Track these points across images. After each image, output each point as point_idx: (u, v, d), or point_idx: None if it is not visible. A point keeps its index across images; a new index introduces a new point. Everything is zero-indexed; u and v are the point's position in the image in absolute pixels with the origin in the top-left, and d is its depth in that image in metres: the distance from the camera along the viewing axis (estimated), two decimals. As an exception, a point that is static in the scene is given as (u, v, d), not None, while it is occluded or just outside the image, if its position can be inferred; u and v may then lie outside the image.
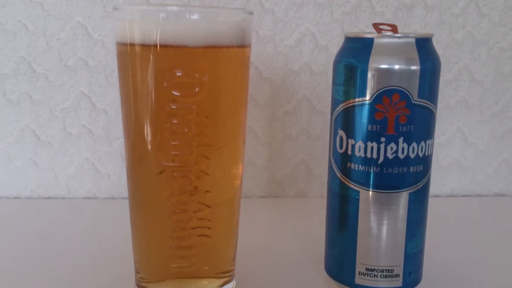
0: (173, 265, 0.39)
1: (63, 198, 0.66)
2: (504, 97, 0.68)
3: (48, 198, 0.66)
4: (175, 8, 0.35)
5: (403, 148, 0.38)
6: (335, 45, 0.65)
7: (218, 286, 0.41)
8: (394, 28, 0.40)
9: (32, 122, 0.64)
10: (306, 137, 0.67)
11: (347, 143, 0.39)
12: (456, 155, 0.69)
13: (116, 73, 0.63)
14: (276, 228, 0.57)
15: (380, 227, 0.39)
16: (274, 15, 0.64)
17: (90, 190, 0.66)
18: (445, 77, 0.66)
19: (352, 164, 0.39)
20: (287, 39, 0.65)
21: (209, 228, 0.39)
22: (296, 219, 0.60)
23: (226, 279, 0.42)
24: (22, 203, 0.64)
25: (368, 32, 0.39)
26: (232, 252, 0.42)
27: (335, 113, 0.40)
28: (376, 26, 0.41)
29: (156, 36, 0.35)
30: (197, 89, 0.35)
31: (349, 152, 0.39)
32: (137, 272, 0.41)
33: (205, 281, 0.41)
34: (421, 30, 0.65)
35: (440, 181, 0.69)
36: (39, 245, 0.52)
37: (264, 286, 0.45)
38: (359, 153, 0.38)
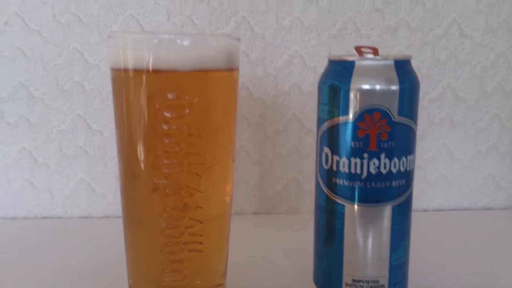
0: (166, 279, 0.41)
1: (60, 217, 0.67)
2: (488, 114, 0.70)
3: (45, 218, 0.67)
4: (166, 36, 0.38)
5: (385, 164, 0.40)
6: (323, 66, 0.66)
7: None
8: (375, 51, 0.42)
9: (30, 144, 0.66)
10: (296, 155, 0.69)
11: (332, 159, 0.41)
12: (443, 170, 0.71)
13: (111, 96, 0.64)
14: (268, 243, 0.59)
15: (365, 240, 0.41)
16: (264, 39, 0.66)
17: (85, 209, 0.67)
18: (430, 95, 0.69)
19: (337, 179, 0.41)
20: (276, 61, 0.67)
21: (201, 243, 0.41)
22: (287, 234, 0.62)
23: (217, 292, 0.43)
24: (19, 223, 0.65)
25: (350, 55, 0.41)
26: (223, 266, 0.44)
27: (321, 131, 0.42)
28: (358, 49, 0.43)
29: (148, 61, 0.37)
30: (187, 111, 0.37)
31: (334, 168, 0.41)
32: (130, 287, 0.42)
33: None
34: (405, 51, 0.68)
35: (428, 196, 0.71)
36: (36, 264, 0.53)
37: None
38: (344, 168, 0.40)
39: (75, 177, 0.67)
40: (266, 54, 0.67)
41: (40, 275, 0.50)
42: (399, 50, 0.68)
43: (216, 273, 0.43)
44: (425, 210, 0.71)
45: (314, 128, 0.69)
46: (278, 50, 0.67)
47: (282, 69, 0.67)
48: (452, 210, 0.72)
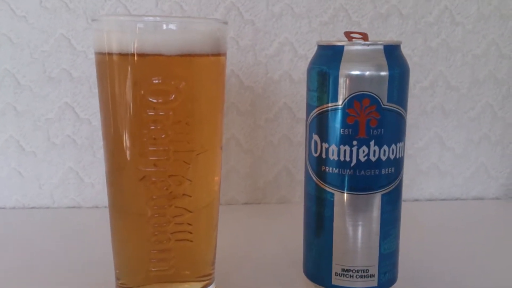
0: (153, 269, 0.40)
1: (48, 207, 0.66)
2: (480, 102, 0.70)
3: (33, 208, 0.66)
4: (151, 19, 0.37)
5: (374, 151, 0.39)
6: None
7: (198, 289, 0.42)
8: (364, 36, 0.42)
9: (17, 133, 0.65)
10: (287, 144, 0.69)
11: (321, 147, 0.40)
12: (434, 159, 0.71)
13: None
14: (258, 233, 0.59)
15: (354, 228, 0.40)
16: (254, 26, 0.65)
17: (74, 199, 0.67)
18: (422, 83, 0.68)
19: (326, 167, 0.40)
20: (267, 48, 0.66)
21: (191, 233, 0.40)
22: (277, 224, 0.61)
23: (205, 282, 0.42)
24: (7, 213, 0.65)
25: (339, 40, 0.41)
26: (211, 255, 0.43)
27: (310, 118, 0.42)
28: (347, 34, 0.42)
29: (133, 45, 0.36)
30: (173, 96, 0.36)
31: (323, 156, 0.40)
32: (118, 278, 0.42)
33: (185, 285, 0.42)
34: (397, 38, 0.67)
35: (419, 185, 0.71)
36: (24, 254, 0.52)
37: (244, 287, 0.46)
38: (333, 156, 0.40)
39: (63, 167, 0.66)
40: (256, 41, 0.66)
41: (28, 265, 0.50)
42: (390, 38, 0.67)
43: (205, 263, 0.42)
44: (416, 200, 0.71)
45: (305, 117, 0.68)
46: (268, 37, 0.66)
47: (273, 57, 0.67)
48: (443, 200, 0.72)
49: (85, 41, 0.63)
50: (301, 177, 0.69)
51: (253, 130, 0.68)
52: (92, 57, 0.63)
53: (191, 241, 0.41)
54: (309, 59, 0.66)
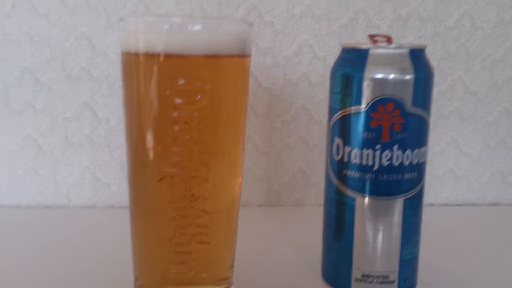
0: (173, 271, 0.40)
1: (64, 206, 0.67)
2: (498, 107, 0.69)
3: (49, 206, 0.66)
4: (178, 19, 0.37)
5: (397, 155, 0.39)
6: (333, 56, 0.66)
7: (216, 292, 0.42)
8: (388, 39, 0.42)
9: (35, 131, 0.65)
10: (304, 146, 0.68)
11: (344, 150, 0.40)
12: (451, 164, 0.70)
13: (118, 83, 0.64)
14: (274, 236, 0.58)
15: (375, 233, 0.40)
16: (273, 27, 0.65)
17: (90, 199, 0.67)
18: (440, 87, 0.68)
19: (348, 170, 0.40)
20: (285, 50, 0.66)
21: (208, 235, 0.40)
22: (293, 227, 0.61)
23: (224, 285, 0.42)
24: (22, 212, 0.65)
25: (363, 43, 0.41)
26: (230, 259, 0.43)
27: (332, 121, 0.41)
28: (371, 37, 0.42)
29: (160, 46, 0.36)
30: (198, 97, 0.36)
31: (345, 159, 0.40)
32: (136, 278, 0.42)
33: (203, 288, 0.42)
34: (416, 41, 0.67)
35: (435, 190, 0.70)
36: (40, 253, 0.52)
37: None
38: (355, 160, 0.40)
39: (80, 166, 0.66)
40: (275, 42, 0.66)
41: (43, 264, 0.50)
42: (409, 41, 0.67)
43: (223, 266, 0.42)
44: (432, 205, 0.71)
45: (322, 119, 0.68)
46: (288, 39, 0.66)
47: (291, 59, 0.66)
48: (459, 205, 0.71)
49: (105, 40, 0.63)
50: (316, 179, 0.70)
51: (269, 131, 0.68)
52: (112, 56, 0.64)
53: (211, 243, 0.40)
54: (328, 61, 0.67)
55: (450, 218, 0.67)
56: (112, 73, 0.64)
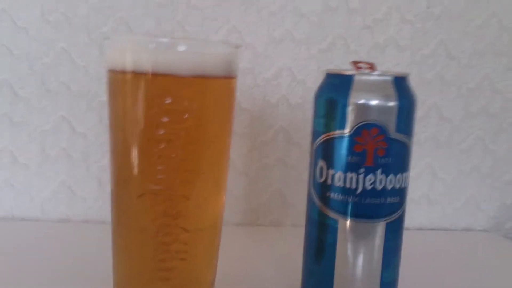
0: (154, 287, 0.40)
1: (38, 220, 0.65)
2: (472, 135, 0.71)
3: (23, 219, 0.65)
4: (166, 40, 0.37)
5: (381, 180, 0.39)
6: (312, 79, 0.67)
7: (197, 310, 0.42)
8: (371, 66, 0.43)
9: (11, 144, 0.64)
10: (282, 167, 0.69)
11: (327, 173, 0.41)
12: (425, 189, 0.72)
13: (98, 99, 0.64)
14: (252, 255, 0.58)
15: (357, 255, 0.41)
16: (254, 50, 0.66)
17: (64, 213, 0.66)
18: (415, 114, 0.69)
19: (331, 193, 0.41)
20: (265, 72, 0.67)
21: (189, 252, 0.40)
22: (271, 247, 0.61)
23: (204, 303, 0.42)
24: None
25: (347, 69, 0.41)
26: (211, 276, 0.43)
27: (316, 144, 0.42)
28: (354, 63, 0.43)
29: (147, 65, 0.36)
30: (185, 116, 0.37)
31: (329, 182, 0.41)
32: (116, 294, 0.41)
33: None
34: (393, 69, 0.68)
35: (410, 214, 0.71)
36: (12, 266, 0.51)
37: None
38: (339, 183, 0.40)
39: (56, 180, 0.65)
40: (255, 64, 0.67)
41: (15, 277, 0.49)
42: (387, 68, 0.68)
43: (204, 284, 0.42)
44: (407, 229, 0.71)
45: (301, 141, 0.69)
46: (268, 62, 0.67)
47: (271, 81, 0.67)
48: (433, 229, 0.72)
49: (86, 56, 0.63)
50: (293, 200, 0.70)
51: (249, 152, 0.68)
52: (92, 72, 0.64)
53: (192, 261, 0.40)
54: (307, 85, 0.68)
55: (424, 242, 0.68)
56: (92, 89, 0.64)
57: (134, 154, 0.38)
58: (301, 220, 0.68)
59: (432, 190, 0.72)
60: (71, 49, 0.63)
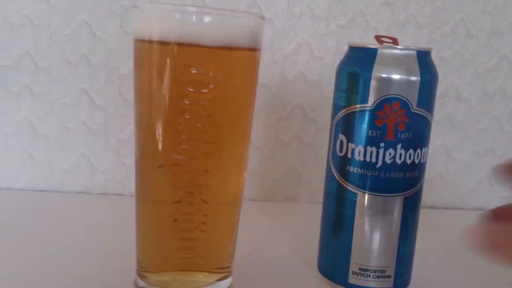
0: (176, 256, 0.40)
1: (57, 191, 0.66)
2: (488, 115, 0.71)
3: (42, 191, 0.66)
4: (193, 9, 0.37)
5: (400, 154, 0.40)
6: (330, 56, 0.67)
7: (216, 280, 0.42)
8: (394, 41, 0.43)
9: (31, 115, 0.65)
10: (297, 144, 0.69)
11: (347, 147, 0.41)
12: (440, 168, 0.72)
13: (117, 72, 0.64)
14: (268, 229, 0.59)
15: (375, 229, 0.41)
16: (273, 25, 0.66)
17: (84, 185, 0.67)
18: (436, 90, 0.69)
19: (351, 167, 0.41)
20: (284, 48, 0.67)
21: (211, 224, 0.41)
22: (286, 222, 0.62)
23: (223, 274, 0.43)
24: (15, 195, 0.64)
25: (371, 43, 0.41)
26: (231, 249, 0.43)
27: (337, 118, 0.42)
28: (378, 38, 0.43)
29: (173, 34, 0.36)
30: (211, 87, 0.37)
31: (349, 156, 0.41)
32: (139, 262, 0.42)
33: (202, 275, 0.42)
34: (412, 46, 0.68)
35: (423, 193, 0.72)
36: (32, 237, 0.52)
37: (260, 282, 0.46)
38: (359, 157, 0.40)
39: (75, 152, 0.66)
40: (274, 40, 0.67)
41: (35, 248, 0.49)
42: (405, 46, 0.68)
43: (224, 255, 0.43)
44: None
45: (317, 118, 0.69)
46: (287, 37, 0.67)
47: (289, 57, 0.67)
48: (446, 208, 0.73)
49: (106, 28, 0.64)
50: (308, 177, 0.70)
51: (264, 128, 0.69)
52: (112, 45, 0.64)
53: (213, 233, 0.41)
54: (325, 61, 0.68)
55: (438, 220, 0.68)
56: (111, 62, 0.64)
57: (159, 124, 0.38)
58: (316, 196, 0.70)
59: (446, 170, 0.72)
60: (91, 21, 0.63)
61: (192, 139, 0.38)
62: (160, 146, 0.39)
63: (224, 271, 0.43)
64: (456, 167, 0.72)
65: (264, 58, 0.67)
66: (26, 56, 0.63)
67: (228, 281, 0.43)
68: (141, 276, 0.42)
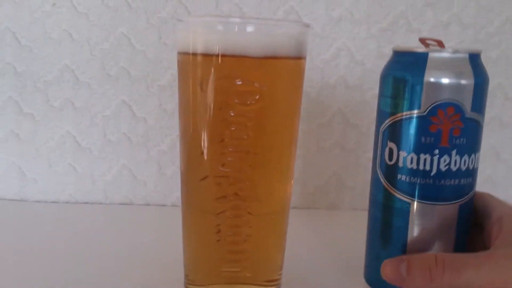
0: (224, 269, 0.40)
1: (100, 203, 0.67)
2: (537, 115, 0.68)
3: (86, 203, 0.67)
4: (237, 20, 0.37)
5: (455, 161, 0.38)
6: (371, 60, 0.66)
7: (264, 293, 0.42)
8: (439, 43, 0.41)
9: (73, 129, 0.65)
10: (339, 149, 0.68)
11: (398, 155, 0.40)
12: (489, 171, 0.70)
13: (156, 83, 0.64)
14: (312, 239, 0.58)
15: (429, 239, 0.39)
16: (312, 30, 0.65)
17: (126, 196, 0.67)
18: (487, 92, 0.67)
19: (403, 176, 0.40)
20: (323, 53, 0.66)
21: (252, 236, 0.40)
22: (329, 230, 0.61)
23: (273, 287, 0.42)
24: (60, 208, 0.65)
25: (417, 47, 0.40)
26: (278, 261, 0.43)
27: (384, 126, 0.41)
28: (423, 41, 0.42)
29: (218, 46, 0.36)
30: (256, 97, 0.36)
31: (400, 164, 0.40)
32: (186, 275, 0.42)
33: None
34: (456, 47, 0.66)
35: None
36: (78, 249, 0.52)
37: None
38: (411, 165, 0.39)
39: (117, 164, 0.66)
40: (313, 45, 0.65)
41: (80, 260, 0.49)
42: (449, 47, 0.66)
43: (273, 268, 0.42)
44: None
45: (359, 123, 0.68)
46: (326, 42, 0.66)
47: (329, 62, 0.66)
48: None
49: (145, 40, 0.64)
50: (351, 183, 0.69)
51: (306, 134, 0.67)
52: (151, 56, 0.64)
53: (262, 245, 0.40)
54: (366, 65, 0.66)
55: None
56: (151, 73, 0.64)
57: (204, 137, 0.38)
58: (359, 203, 0.68)
59: (495, 173, 0.70)
60: (130, 34, 0.63)
61: (238, 151, 0.37)
62: (205, 158, 0.38)
63: (273, 284, 0.42)
64: (505, 169, 0.70)
65: (304, 64, 0.66)
66: (67, 71, 0.64)
67: (277, 294, 0.43)
68: (188, 289, 0.41)
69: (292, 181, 0.42)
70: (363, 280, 0.45)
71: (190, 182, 0.40)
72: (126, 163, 0.66)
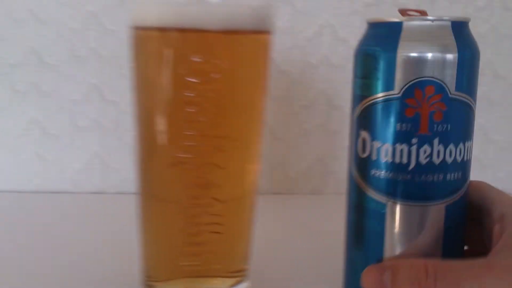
0: (184, 263, 0.37)
1: (70, 192, 0.64)
2: (528, 93, 0.66)
3: (54, 192, 0.63)
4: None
5: (438, 151, 0.33)
6: (356, 37, 0.62)
7: (231, 285, 0.39)
8: (423, 14, 0.36)
9: (40, 114, 0.62)
10: (322, 132, 0.65)
11: (371, 146, 0.34)
12: (476, 152, 0.66)
13: (129, 65, 0.61)
14: (291, 226, 0.55)
15: (410, 246, 0.34)
16: (293, 6, 0.62)
17: (98, 185, 0.64)
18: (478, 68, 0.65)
19: (377, 171, 0.34)
20: (305, 31, 0.63)
21: (222, 225, 0.37)
22: (311, 216, 0.58)
23: (238, 278, 0.39)
24: (27, 197, 0.62)
25: (394, 17, 0.35)
26: (245, 250, 0.40)
27: (357, 111, 0.36)
28: (402, 11, 0.37)
29: (174, 19, 0.32)
30: (215, 76, 0.33)
31: (374, 157, 0.34)
32: (144, 270, 0.39)
33: (216, 280, 0.39)
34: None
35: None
36: (44, 240, 0.50)
37: (279, 286, 0.43)
38: (386, 157, 0.33)
39: (87, 151, 0.63)
40: (294, 23, 0.62)
41: (46, 252, 0.47)
42: (436, 16, 0.63)
43: (238, 258, 0.39)
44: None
45: (343, 105, 0.65)
46: (308, 19, 0.62)
47: (311, 40, 0.63)
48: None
49: (116, 19, 0.60)
50: (335, 167, 0.66)
51: (287, 117, 0.64)
52: (123, 36, 0.60)
53: (225, 234, 0.37)
54: (351, 43, 0.63)
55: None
56: (122, 54, 0.61)
57: (161, 120, 0.34)
58: (344, 187, 0.65)
59: (484, 154, 0.67)
60: (99, 12, 0.60)
61: (197, 134, 0.34)
62: (163, 144, 0.35)
63: (239, 274, 0.39)
64: (494, 150, 0.67)
65: (285, 42, 0.62)
66: (32, 53, 0.60)
67: (244, 285, 0.40)
68: (148, 286, 0.38)
69: (258, 166, 0.38)
70: (340, 269, 0.41)
71: (148, 171, 0.37)
72: (97, 150, 0.63)
